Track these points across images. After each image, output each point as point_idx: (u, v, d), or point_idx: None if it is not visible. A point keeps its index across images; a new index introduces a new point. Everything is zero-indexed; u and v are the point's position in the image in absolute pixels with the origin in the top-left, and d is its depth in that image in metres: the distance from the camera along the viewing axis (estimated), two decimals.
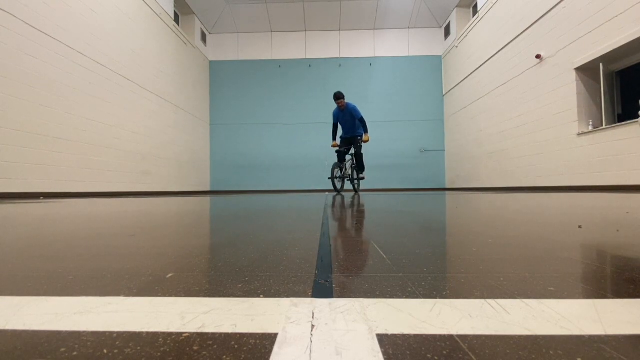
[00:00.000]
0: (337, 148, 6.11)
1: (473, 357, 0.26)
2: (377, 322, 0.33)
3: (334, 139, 6.18)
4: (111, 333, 0.31)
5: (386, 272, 0.53)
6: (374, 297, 0.40)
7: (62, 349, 0.28)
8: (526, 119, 6.71)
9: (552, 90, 5.97)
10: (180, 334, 0.31)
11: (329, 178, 6.05)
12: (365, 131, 5.91)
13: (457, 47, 9.88)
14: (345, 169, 6.16)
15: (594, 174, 5.15)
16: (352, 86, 11.13)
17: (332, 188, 6.40)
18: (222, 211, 1.94)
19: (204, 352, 0.27)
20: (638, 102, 4.55)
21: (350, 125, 6.11)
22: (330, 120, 7.08)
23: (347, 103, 5.90)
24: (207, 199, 3.98)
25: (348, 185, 6.69)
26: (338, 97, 5.79)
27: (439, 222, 1.24)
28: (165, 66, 8.27)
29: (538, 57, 6.25)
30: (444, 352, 0.27)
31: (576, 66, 5.40)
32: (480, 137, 8.57)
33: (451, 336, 0.30)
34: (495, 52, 7.76)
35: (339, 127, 6.21)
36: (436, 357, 0.26)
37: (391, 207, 2.07)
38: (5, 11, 4.30)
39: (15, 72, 4.41)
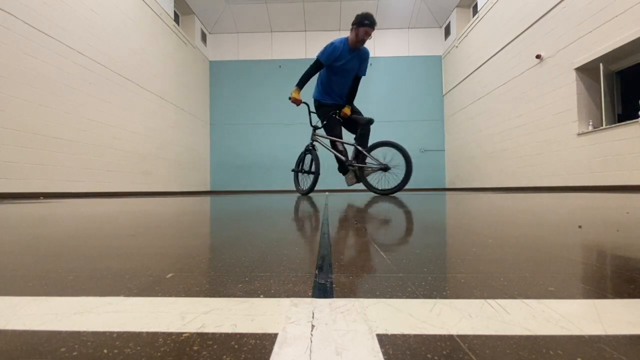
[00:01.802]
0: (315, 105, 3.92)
1: (473, 357, 0.26)
2: (377, 322, 0.33)
3: (301, 86, 3.79)
4: (111, 333, 0.31)
5: (386, 272, 0.53)
6: (374, 297, 0.40)
7: (62, 349, 0.28)
8: (526, 119, 6.71)
9: (552, 90, 5.97)
10: (180, 334, 0.31)
11: (295, 170, 4.43)
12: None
13: (457, 47, 9.88)
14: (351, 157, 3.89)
15: (594, 174, 5.15)
16: None
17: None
18: (222, 211, 1.94)
19: (204, 352, 0.27)
20: (638, 102, 4.55)
21: (349, 82, 3.82)
22: None
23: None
24: (207, 199, 3.98)
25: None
26: (372, 22, 3.40)
27: (439, 222, 1.24)
28: (165, 66, 8.28)
29: (538, 57, 6.25)
30: (444, 352, 0.27)
31: (576, 66, 5.40)
32: (480, 137, 8.57)
33: (451, 336, 0.30)
34: (495, 52, 7.76)
35: (328, 79, 3.81)
36: (436, 357, 0.26)
37: (391, 207, 2.07)
38: (5, 11, 4.30)
39: (15, 72, 4.41)
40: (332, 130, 3.98)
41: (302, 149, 4.74)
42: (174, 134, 8.78)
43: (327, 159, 12.14)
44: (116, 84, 6.40)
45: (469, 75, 9.16)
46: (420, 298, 0.40)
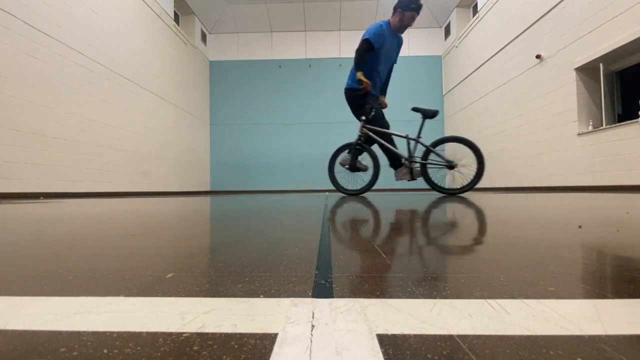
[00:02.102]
0: (373, 95, 3.56)
1: (473, 357, 0.26)
2: (377, 322, 0.33)
3: (363, 69, 3.47)
4: (111, 333, 0.31)
5: (386, 272, 0.53)
6: (374, 297, 0.40)
7: (62, 349, 0.28)
8: (526, 119, 6.71)
9: (552, 90, 5.97)
10: (180, 334, 0.31)
11: (347, 166, 3.85)
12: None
13: (457, 47, 9.89)
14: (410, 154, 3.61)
15: (594, 174, 5.15)
16: None
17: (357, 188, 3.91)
18: (222, 211, 1.94)
19: (204, 352, 0.27)
20: (638, 102, 4.55)
21: (387, 69, 3.73)
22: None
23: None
24: (207, 199, 3.98)
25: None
26: (419, 6, 3.32)
27: (439, 222, 1.24)
28: (165, 66, 8.28)
29: (538, 57, 6.25)
30: (444, 352, 0.27)
31: (576, 66, 5.40)
32: (480, 137, 8.58)
33: (451, 336, 0.30)
34: (495, 52, 7.76)
35: (372, 66, 3.53)
36: (436, 357, 0.26)
37: (391, 207, 2.07)
38: (5, 11, 4.30)
39: (15, 72, 4.41)
40: (381, 121, 3.70)
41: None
42: (174, 134, 8.79)
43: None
44: (116, 84, 6.41)
45: (469, 75, 9.16)
46: (420, 298, 0.40)
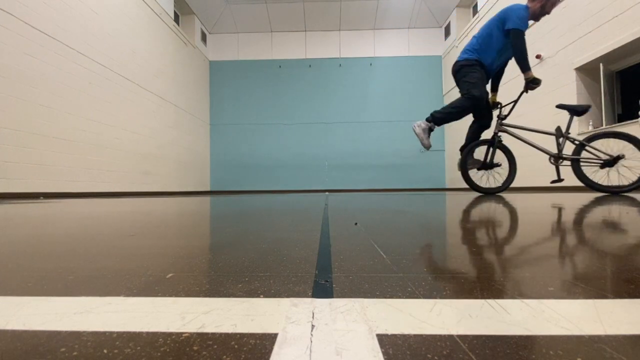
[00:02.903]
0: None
1: (473, 357, 0.26)
2: (377, 322, 0.33)
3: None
4: (111, 333, 0.31)
5: (386, 272, 0.53)
6: (374, 297, 0.40)
7: (62, 349, 0.28)
8: (526, 119, 6.70)
9: (552, 90, 5.97)
10: (180, 334, 0.31)
11: (478, 166, 3.62)
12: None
13: (457, 47, 9.89)
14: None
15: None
16: (352, 86, 11.14)
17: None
18: (222, 211, 1.94)
19: (204, 352, 0.27)
20: (638, 102, 4.55)
21: (502, 63, 3.50)
22: None
23: None
24: (207, 199, 3.98)
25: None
26: None
27: (439, 222, 1.24)
28: (165, 66, 8.28)
29: (538, 57, 6.25)
30: (444, 352, 0.27)
31: (576, 66, 5.40)
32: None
33: (451, 336, 0.30)
34: None
35: (494, 53, 3.30)
36: (436, 357, 0.26)
37: (391, 207, 2.07)
38: (5, 11, 4.30)
39: (15, 72, 4.41)
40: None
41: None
42: (174, 134, 8.79)
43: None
44: (116, 84, 6.41)
45: None
46: (420, 298, 0.40)
